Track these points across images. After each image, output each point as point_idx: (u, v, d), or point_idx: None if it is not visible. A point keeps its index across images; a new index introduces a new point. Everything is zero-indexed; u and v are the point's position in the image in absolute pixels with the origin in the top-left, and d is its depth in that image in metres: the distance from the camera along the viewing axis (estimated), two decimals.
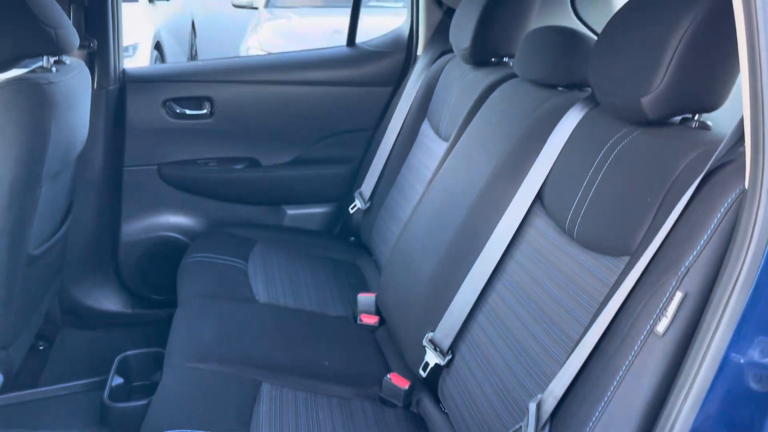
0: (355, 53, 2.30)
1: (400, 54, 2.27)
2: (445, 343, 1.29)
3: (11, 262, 1.45)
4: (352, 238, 2.21)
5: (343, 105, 2.24)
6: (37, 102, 1.39)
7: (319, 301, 1.73)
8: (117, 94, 2.04)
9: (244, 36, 6.44)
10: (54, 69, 1.54)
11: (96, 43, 1.92)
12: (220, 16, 8.08)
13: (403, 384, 1.36)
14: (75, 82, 1.62)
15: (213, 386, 1.26)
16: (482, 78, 1.68)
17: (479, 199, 1.35)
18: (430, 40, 2.15)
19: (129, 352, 1.67)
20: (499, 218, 1.25)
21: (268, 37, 6.06)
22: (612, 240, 0.98)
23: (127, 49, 5.50)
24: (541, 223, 1.19)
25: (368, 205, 2.07)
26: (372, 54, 2.28)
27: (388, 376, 1.38)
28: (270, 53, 4.27)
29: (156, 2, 6.58)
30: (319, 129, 2.25)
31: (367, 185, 2.09)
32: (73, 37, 1.58)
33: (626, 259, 0.93)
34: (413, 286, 1.46)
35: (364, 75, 2.24)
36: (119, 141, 2.08)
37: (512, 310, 1.16)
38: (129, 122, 2.08)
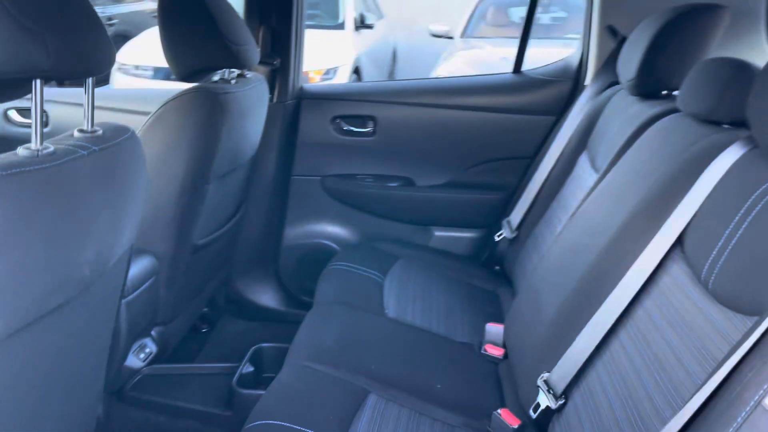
0: (520, 80, 2.26)
1: (566, 83, 2.19)
2: (560, 387, 1.21)
3: (177, 249, 1.65)
4: (497, 267, 2.17)
5: (503, 132, 2.22)
6: (211, 109, 1.57)
7: (448, 325, 1.71)
8: (293, 109, 2.23)
9: (436, 64, 6.66)
10: (233, 81, 1.74)
11: (279, 61, 2.13)
12: (420, 44, 8.39)
13: (513, 422, 1.30)
14: (251, 94, 1.80)
15: (322, 387, 1.31)
16: (643, 111, 1.56)
17: (616, 237, 1.25)
18: (600, 70, 2.05)
19: (264, 345, 1.79)
20: (634, 260, 1.15)
21: (458, 65, 6.19)
22: (747, 296, 0.86)
23: (328, 72, 5.99)
24: (677, 269, 1.08)
25: (515, 234, 2.01)
26: (538, 82, 2.23)
27: (499, 411, 1.32)
28: None
29: (361, 30, 7.04)
30: (476, 154, 2.25)
31: (516, 214, 2.04)
32: (253, 54, 1.77)
33: (756, 319, 0.80)
34: (536, 323, 1.39)
35: (527, 103, 2.20)
36: (290, 152, 2.27)
37: (630, 360, 1.06)
38: (300, 135, 2.25)
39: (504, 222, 2.09)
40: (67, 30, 0.91)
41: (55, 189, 0.89)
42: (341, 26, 6.72)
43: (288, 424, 1.14)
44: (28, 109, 2.41)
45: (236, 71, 1.79)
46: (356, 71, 6.48)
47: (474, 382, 1.49)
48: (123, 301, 1.44)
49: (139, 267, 1.53)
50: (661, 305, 1.06)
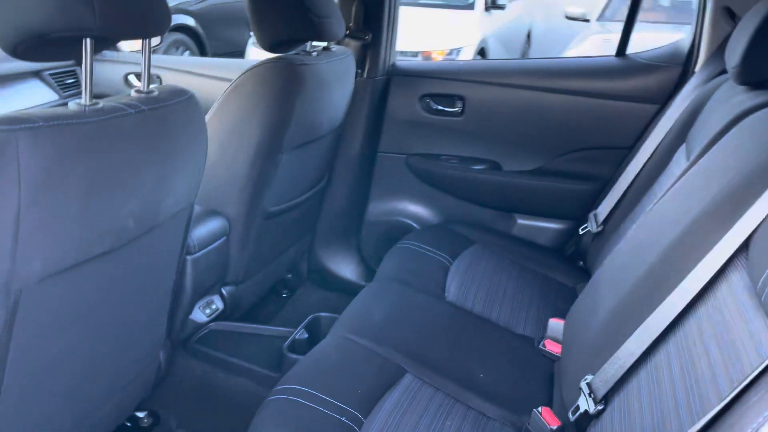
0: (624, 64, 2.10)
1: (675, 69, 2.00)
2: (601, 391, 1.13)
3: (249, 213, 1.71)
4: (581, 263, 2.05)
5: (601, 119, 2.07)
6: (287, 79, 1.61)
7: (510, 316, 1.65)
8: (382, 85, 2.23)
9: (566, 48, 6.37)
10: (314, 53, 1.76)
11: (370, 36, 2.13)
12: (558, 27, 8.07)
13: (553, 422, 1.23)
14: (333, 68, 1.82)
15: (359, 361, 1.31)
16: (744, 101, 1.39)
17: (681, 237, 1.14)
18: (712, 56, 1.85)
19: (322, 314, 1.83)
20: (696, 263, 1.04)
21: (588, 50, 5.87)
22: None
23: (451, 52, 5.93)
24: (737, 278, 0.95)
25: (600, 229, 1.88)
26: (643, 66, 2.05)
27: (540, 409, 1.26)
28: None
29: (492, 11, 6.88)
30: (569, 141, 2.12)
31: (604, 207, 1.91)
32: (338, 28, 1.78)
33: None
34: (590, 321, 1.30)
35: (629, 89, 2.03)
36: (377, 128, 2.27)
37: (671, 370, 0.96)
38: (388, 112, 2.25)
39: (591, 215, 1.97)
40: None
41: (97, 143, 0.95)
42: (471, 6, 6.61)
43: (313, 392, 1.16)
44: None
45: (322, 44, 1.82)
46: (481, 52, 6.36)
47: (522, 377, 1.42)
48: (188, 257, 1.52)
49: (209, 227, 1.61)
50: (712, 315, 0.95)
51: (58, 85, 2.42)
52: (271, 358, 1.66)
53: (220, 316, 1.77)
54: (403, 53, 5.08)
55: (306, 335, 1.70)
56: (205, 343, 1.68)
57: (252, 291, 1.93)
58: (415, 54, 5.50)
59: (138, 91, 1.10)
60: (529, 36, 8.36)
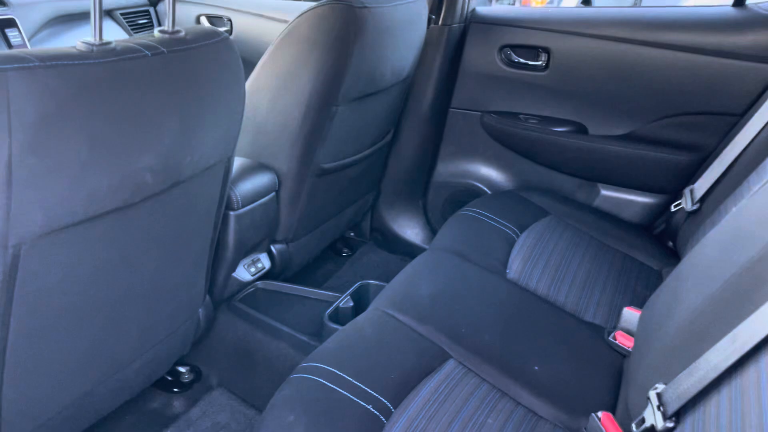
0: (743, 16, 1.78)
1: None
2: (672, 406, 0.95)
3: (300, 169, 1.60)
4: (671, 243, 1.81)
5: (709, 80, 1.78)
6: (345, 23, 1.46)
7: (579, 300, 1.47)
8: (459, 33, 2.03)
9: None
10: None
11: None
12: None
13: (612, 431, 1.07)
14: (400, 13, 1.64)
15: (396, 340, 1.18)
16: None
17: None
18: None
19: (371, 281, 1.71)
20: None
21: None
22: None
23: (552, 0, 5.52)
24: None
25: (695, 207, 1.64)
26: (765, 20, 1.73)
27: (600, 414, 1.09)
28: None
29: None
30: (668, 104, 1.85)
31: (703, 183, 1.65)
32: None
33: None
34: (669, 317, 1.10)
35: (747, 45, 1.73)
36: (450, 81, 2.09)
37: (759, 394, 0.77)
38: (464, 63, 2.05)
39: (686, 190, 1.71)
40: None
41: (105, 87, 0.85)
42: None
43: (340, 373, 1.05)
44: (219, 17, 2.54)
45: None
46: (585, 1, 5.89)
47: (585, 373, 1.25)
48: (231, 213, 1.44)
49: (256, 182, 1.52)
50: None
51: (130, 26, 2.38)
52: (313, 325, 1.57)
53: (269, 275, 1.69)
54: None
55: (351, 303, 1.59)
56: (249, 303, 1.61)
57: (305, 250, 1.84)
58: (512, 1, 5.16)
59: (162, 31, 0.99)
60: None
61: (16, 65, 0.75)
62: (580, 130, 2.00)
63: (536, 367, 1.21)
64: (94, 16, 0.86)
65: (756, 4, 1.80)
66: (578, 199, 2.01)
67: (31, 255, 0.86)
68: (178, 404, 1.56)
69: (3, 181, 0.76)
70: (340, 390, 1.02)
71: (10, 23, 1.87)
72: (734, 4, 1.82)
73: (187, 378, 1.59)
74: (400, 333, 1.20)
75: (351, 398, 1.01)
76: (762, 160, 1.48)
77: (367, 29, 1.49)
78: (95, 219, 0.92)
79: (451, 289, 1.37)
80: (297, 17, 1.49)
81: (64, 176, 0.83)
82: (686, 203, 1.68)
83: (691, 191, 1.69)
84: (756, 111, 1.61)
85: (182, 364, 1.60)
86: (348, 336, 1.17)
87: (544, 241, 1.64)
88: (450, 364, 1.15)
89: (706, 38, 1.78)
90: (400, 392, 1.05)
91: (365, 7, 1.49)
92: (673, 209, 1.74)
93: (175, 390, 1.58)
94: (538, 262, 1.55)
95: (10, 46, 1.86)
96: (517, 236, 1.64)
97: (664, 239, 1.86)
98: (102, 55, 0.85)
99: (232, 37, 2.42)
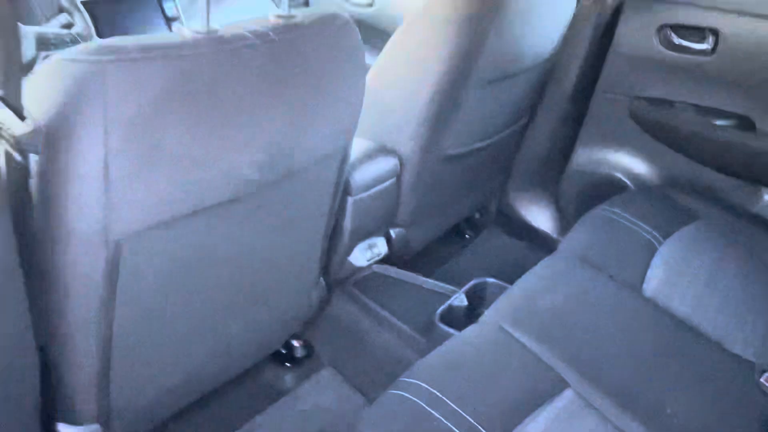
0: None
1: None
2: None
3: (423, 155, 1.53)
4: None
5: None
6: (480, 2, 1.34)
7: (728, 327, 1.28)
8: (612, 11, 1.82)
9: None
10: None
11: None
12: None
13: None
14: None
15: (508, 361, 1.09)
16: None
17: None
18: None
19: (488, 280, 1.61)
20: None
21: None
22: None
23: None
24: None
25: None
26: None
27: None
28: None
29: None
30: None
31: None
32: None
33: None
34: None
35: None
36: (599, 61, 1.89)
37: None
38: (615, 43, 1.85)
39: None
40: None
41: (210, 79, 0.81)
42: None
43: (442, 396, 0.97)
44: None
45: None
46: None
47: (727, 420, 1.09)
48: (350, 198, 1.40)
49: (376, 167, 1.47)
50: None
51: None
52: (423, 318, 1.52)
53: (385, 259, 1.65)
54: None
55: (465, 303, 1.51)
56: (362, 288, 1.59)
57: (424, 234, 1.78)
58: None
59: (278, 16, 0.94)
60: None
61: (114, 56, 0.72)
62: (747, 124, 1.73)
63: (668, 410, 1.07)
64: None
65: None
66: (735, 203, 1.76)
67: (133, 249, 0.86)
68: (288, 379, 1.58)
69: (100, 176, 0.75)
70: (439, 417, 0.95)
71: None
72: None
73: (299, 353, 1.61)
74: (514, 353, 1.10)
75: (450, 427, 0.94)
76: None
77: (506, 8, 1.37)
78: (199, 213, 0.91)
79: (575, 303, 1.25)
80: None
81: (163, 172, 0.81)
82: None
83: None
84: None
85: (296, 338, 1.62)
86: (455, 351, 1.10)
87: (690, 252, 1.46)
88: (568, 395, 1.04)
89: None
90: (506, 424, 0.97)
91: None
92: None
93: (287, 364, 1.60)
94: (681, 276, 1.38)
95: (166, 18, 1.91)
96: (659, 243, 1.47)
97: None
98: (208, 44, 0.81)
99: (374, 7, 2.35)
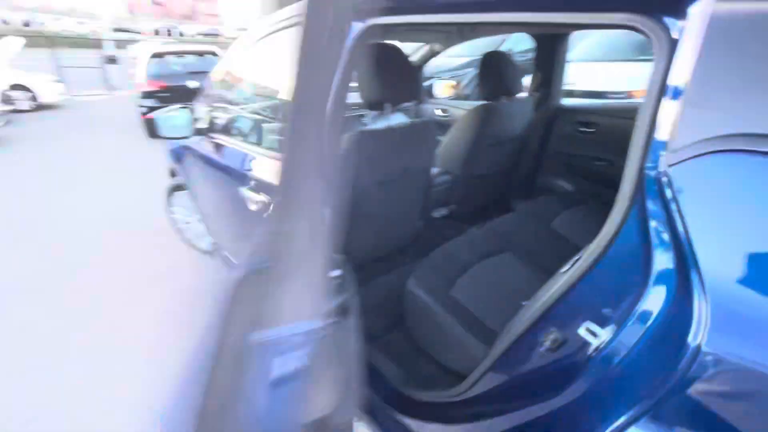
0: None
1: None
2: None
3: (462, 173, 3.70)
4: None
5: None
6: (480, 119, 3.53)
7: None
8: (548, 118, 3.97)
9: None
10: (504, 100, 3.62)
11: (543, 91, 3.90)
12: None
13: None
14: (515, 108, 3.66)
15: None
16: None
17: None
18: None
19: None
20: None
21: None
22: None
23: None
24: None
25: None
26: None
27: None
28: None
29: None
30: None
31: None
32: (517, 87, 3.63)
33: None
34: None
35: None
36: (546, 139, 4.04)
37: None
38: (555, 131, 3.99)
39: None
40: None
41: (385, 141, 2.98)
42: None
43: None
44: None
45: (520, 95, 3.67)
46: None
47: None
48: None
49: (438, 177, 3.65)
50: None
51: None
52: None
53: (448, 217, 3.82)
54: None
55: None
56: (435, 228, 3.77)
57: (467, 207, 3.95)
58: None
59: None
60: None
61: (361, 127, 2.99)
62: (612, 163, 3.82)
63: None
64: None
65: None
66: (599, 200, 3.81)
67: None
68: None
69: None
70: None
71: None
72: None
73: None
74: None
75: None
76: None
77: (493, 119, 3.56)
78: (385, 183, 3.13)
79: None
80: (468, 110, 3.61)
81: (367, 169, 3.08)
82: None
83: None
84: None
85: None
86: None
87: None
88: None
89: None
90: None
91: (495, 106, 3.52)
92: None
93: None
94: None
95: None
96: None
97: None
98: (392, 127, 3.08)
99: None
